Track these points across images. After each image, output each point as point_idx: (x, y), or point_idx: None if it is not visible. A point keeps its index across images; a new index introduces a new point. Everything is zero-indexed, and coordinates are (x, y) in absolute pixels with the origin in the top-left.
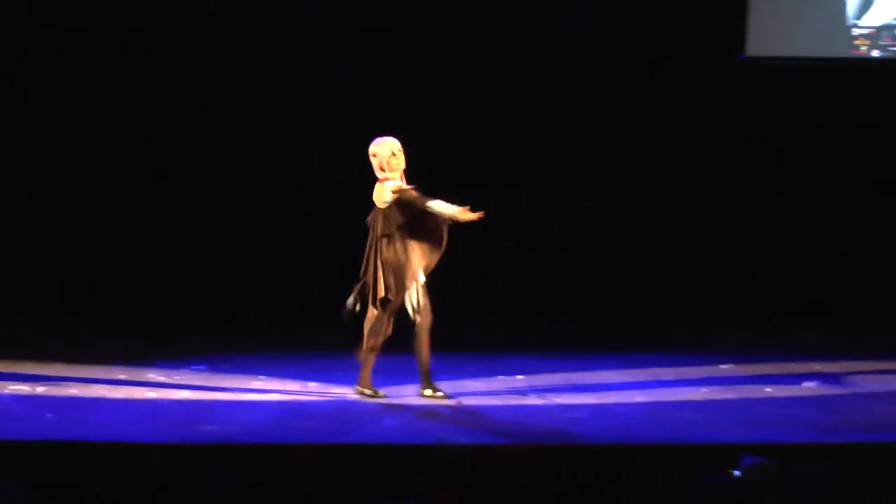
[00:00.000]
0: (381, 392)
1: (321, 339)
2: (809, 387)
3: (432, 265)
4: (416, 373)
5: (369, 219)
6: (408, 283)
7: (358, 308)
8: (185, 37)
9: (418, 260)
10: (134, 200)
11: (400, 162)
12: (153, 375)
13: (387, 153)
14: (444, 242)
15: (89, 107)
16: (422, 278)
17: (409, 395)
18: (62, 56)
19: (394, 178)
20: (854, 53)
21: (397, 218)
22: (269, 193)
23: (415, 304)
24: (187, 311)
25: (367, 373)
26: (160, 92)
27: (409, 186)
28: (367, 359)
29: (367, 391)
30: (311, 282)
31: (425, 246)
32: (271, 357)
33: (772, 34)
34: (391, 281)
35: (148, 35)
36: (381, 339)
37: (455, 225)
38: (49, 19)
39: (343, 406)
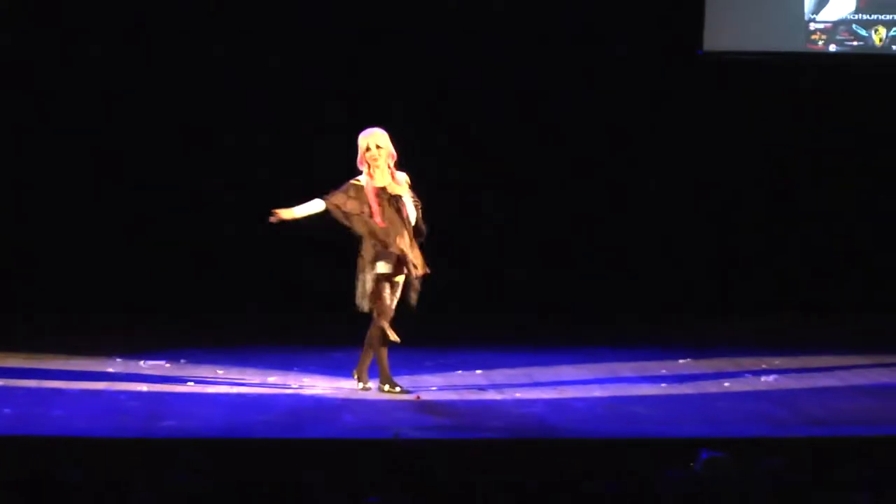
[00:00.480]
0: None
1: (286, 335)
2: (767, 381)
3: (397, 260)
4: (376, 368)
5: None
6: (361, 275)
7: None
8: (182, 35)
9: (372, 254)
10: (104, 200)
11: (376, 157)
12: (112, 369)
13: (363, 146)
14: (393, 237)
15: (86, 106)
16: (380, 269)
17: (366, 390)
18: (59, 55)
19: (364, 172)
20: (811, 48)
21: (351, 213)
22: (257, 191)
23: (358, 294)
24: (150, 308)
25: (381, 368)
26: (156, 92)
27: (360, 182)
28: (380, 355)
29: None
30: (279, 279)
31: (379, 240)
32: (232, 351)
33: (729, 29)
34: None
35: (144, 33)
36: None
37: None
38: (43, 18)
39: (301, 401)
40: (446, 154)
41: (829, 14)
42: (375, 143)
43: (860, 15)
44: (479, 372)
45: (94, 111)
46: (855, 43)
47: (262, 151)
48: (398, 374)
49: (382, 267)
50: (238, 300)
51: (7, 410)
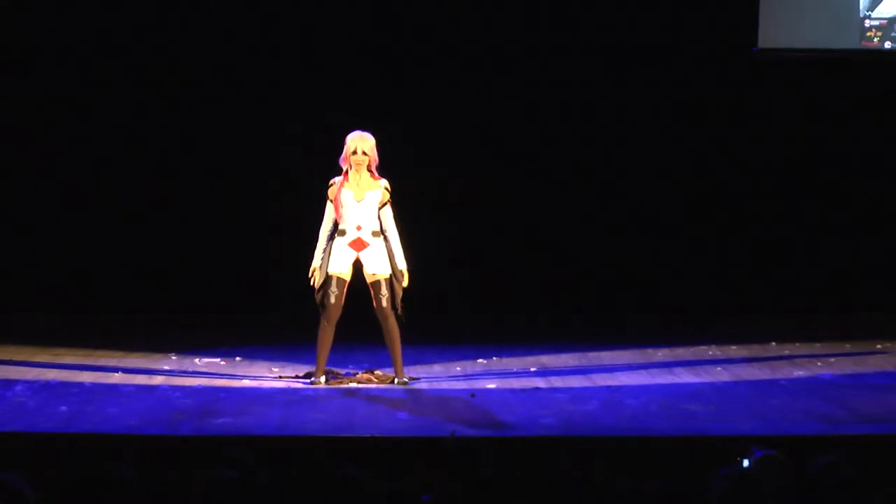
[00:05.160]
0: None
1: (341, 333)
2: (821, 379)
3: (352, 262)
4: (427, 365)
5: None
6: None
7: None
8: (177, 34)
9: (329, 251)
10: (152, 199)
11: (360, 162)
12: (168, 367)
13: (350, 148)
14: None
15: (99, 104)
16: (330, 268)
17: (422, 386)
18: (58, 55)
19: (342, 172)
20: (866, 45)
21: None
22: (291, 195)
23: (318, 298)
24: (205, 306)
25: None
26: (172, 91)
27: (334, 186)
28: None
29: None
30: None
31: (344, 242)
32: (287, 349)
33: (783, 26)
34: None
35: (139, 34)
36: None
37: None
38: (44, 15)
39: (355, 398)
40: (500, 157)
41: (884, 11)
42: (362, 149)
43: None
44: (533, 369)
45: (104, 109)
46: None
47: (309, 151)
48: (453, 372)
49: (333, 265)
50: (294, 298)
51: (63, 408)
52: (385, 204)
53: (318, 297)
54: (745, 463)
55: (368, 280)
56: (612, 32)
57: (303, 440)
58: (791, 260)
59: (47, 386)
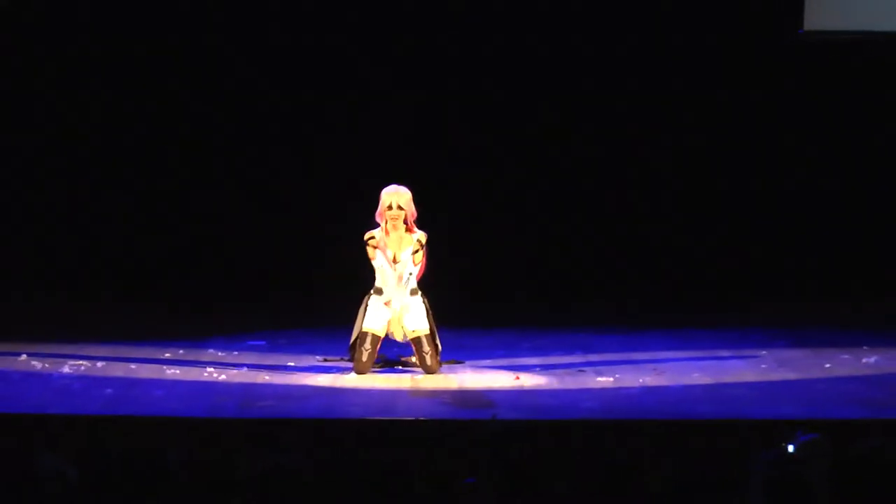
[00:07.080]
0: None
1: None
2: (867, 363)
3: (387, 321)
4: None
5: None
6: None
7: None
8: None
9: (366, 306)
10: (192, 188)
11: (396, 216)
12: (212, 351)
13: (385, 203)
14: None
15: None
16: (366, 325)
17: (464, 371)
18: (61, 55)
19: (381, 227)
20: None
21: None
22: (328, 181)
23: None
24: (249, 290)
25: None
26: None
27: (375, 238)
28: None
29: None
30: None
31: (381, 301)
32: (332, 334)
33: (830, 8)
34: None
35: (138, 34)
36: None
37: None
38: (48, 15)
39: (399, 383)
40: (543, 141)
41: None
42: (398, 203)
43: None
44: (577, 353)
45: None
46: None
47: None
48: (496, 356)
49: (369, 322)
50: (339, 285)
51: (108, 391)
52: (417, 251)
53: (351, 352)
54: (790, 448)
55: (409, 337)
56: (651, 14)
57: (347, 423)
58: (837, 244)
59: (92, 370)
